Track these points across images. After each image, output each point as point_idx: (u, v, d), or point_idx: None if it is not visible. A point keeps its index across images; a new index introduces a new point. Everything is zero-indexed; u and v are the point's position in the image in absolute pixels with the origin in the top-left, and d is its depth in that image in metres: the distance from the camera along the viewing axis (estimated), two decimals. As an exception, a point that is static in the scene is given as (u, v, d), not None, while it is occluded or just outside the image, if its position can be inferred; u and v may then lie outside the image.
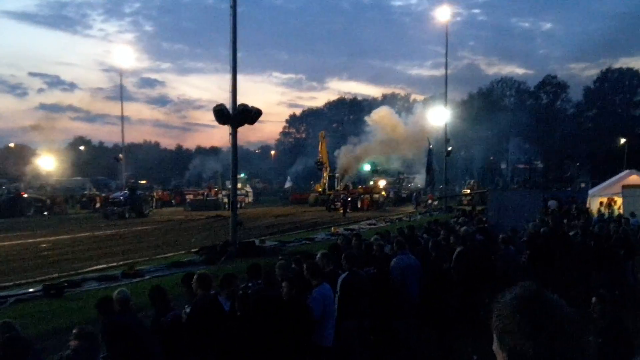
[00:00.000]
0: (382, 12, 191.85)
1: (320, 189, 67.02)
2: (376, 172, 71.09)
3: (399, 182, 79.23)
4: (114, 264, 20.73)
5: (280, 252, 19.42)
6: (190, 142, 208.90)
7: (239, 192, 32.16)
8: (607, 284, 10.68)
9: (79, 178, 75.05)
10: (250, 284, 9.01)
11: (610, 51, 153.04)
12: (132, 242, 28.47)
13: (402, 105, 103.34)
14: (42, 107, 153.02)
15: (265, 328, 7.43)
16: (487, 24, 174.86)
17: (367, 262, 10.63)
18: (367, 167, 72.62)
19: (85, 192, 64.71)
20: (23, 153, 76.33)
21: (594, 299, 6.53)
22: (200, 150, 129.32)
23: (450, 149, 52.72)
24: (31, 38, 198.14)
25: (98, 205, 56.24)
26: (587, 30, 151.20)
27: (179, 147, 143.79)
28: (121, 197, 49.13)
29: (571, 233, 16.33)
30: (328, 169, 69.12)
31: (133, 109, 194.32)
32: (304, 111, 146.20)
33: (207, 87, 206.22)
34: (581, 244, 14.69)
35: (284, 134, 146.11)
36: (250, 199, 70.40)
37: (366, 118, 78.48)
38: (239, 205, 28.04)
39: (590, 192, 34.66)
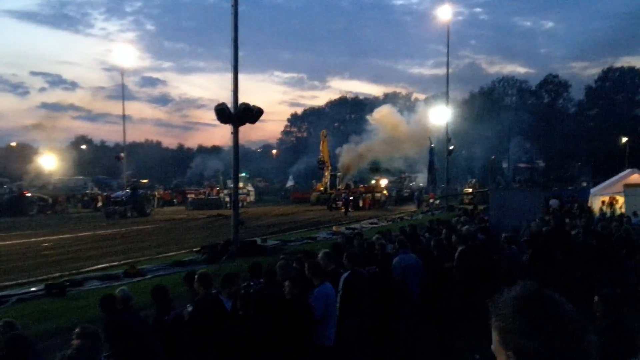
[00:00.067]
0: (383, 11, 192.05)
1: (321, 188, 67.05)
2: (378, 171, 71.05)
3: (400, 181, 79.23)
4: (116, 263, 20.75)
5: (282, 252, 19.42)
6: (192, 141, 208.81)
7: (240, 191, 32.13)
8: (609, 283, 10.67)
9: (81, 177, 75.05)
10: (251, 283, 9.01)
11: (612, 50, 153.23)
12: (133, 242, 28.50)
13: (403, 104, 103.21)
14: (44, 106, 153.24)
15: (267, 327, 7.43)
16: (489, 23, 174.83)
17: (369, 261, 10.64)
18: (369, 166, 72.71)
19: (87, 192, 64.76)
20: (25, 152, 76.34)
21: (596, 298, 6.52)
22: (201, 150, 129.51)
23: (451, 148, 52.66)
24: (33, 37, 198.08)
25: (99, 204, 56.31)
26: (589, 29, 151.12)
27: (181, 146, 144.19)
28: (123, 197, 49.24)
29: (573, 232, 16.32)
30: (329, 168, 69.13)
31: (134, 108, 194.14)
32: (305, 110, 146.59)
33: (209, 86, 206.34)
34: (583, 243, 14.68)
35: (285, 133, 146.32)
36: (251, 198, 70.44)
37: (368, 117, 78.46)
38: (240, 205, 28.02)
39: (592, 191, 34.67)
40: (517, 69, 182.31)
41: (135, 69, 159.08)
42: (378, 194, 62.19)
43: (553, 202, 31.31)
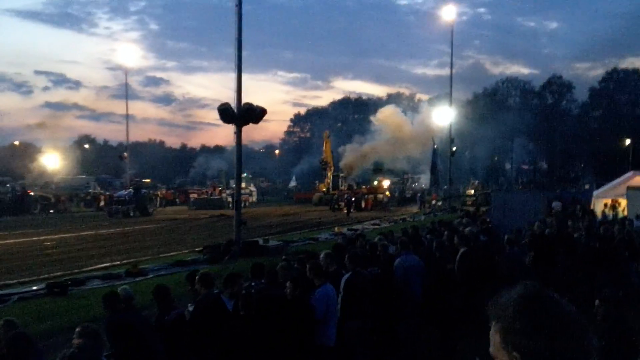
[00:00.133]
0: (387, 11, 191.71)
1: (324, 189, 67.07)
2: (381, 171, 71.07)
3: (403, 182, 79.22)
4: (118, 262, 20.78)
5: (284, 252, 19.41)
6: (195, 141, 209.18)
7: (242, 191, 32.15)
8: (611, 285, 10.66)
9: (84, 176, 75.07)
10: (253, 284, 9.01)
11: (616, 51, 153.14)
12: (135, 241, 28.51)
13: (407, 104, 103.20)
14: (47, 105, 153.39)
15: (268, 327, 7.43)
16: (493, 23, 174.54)
17: (371, 262, 10.63)
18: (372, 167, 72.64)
19: (89, 191, 64.81)
20: (28, 151, 76.41)
21: (597, 300, 6.52)
22: (204, 149, 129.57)
23: (454, 149, 52.68)
24: (37, 36, 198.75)
25: (102, 203, 56.36)
26: (593, 30, 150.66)
27: (184, 146, 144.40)
28: (126, 196, 49.29)
29: (575, 235, 16.30)
30: (332, 168, 69.15)
31: (138, 108, 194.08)
32: (308, 110, 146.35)
33: (212, 86, 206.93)
34: (585, 246, 14.67)
35: (288, 133, 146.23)
36: (254, 198, 70.40)
37: (372, 117, 78.44)
38: (242, 205, 28.03)
39: (595, 193, 34.61)
40: (521, 70, 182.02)
41: (138, 68, 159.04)
42: (380, 195, 62.17)
43: (555, 204, 31.24)
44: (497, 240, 15.42)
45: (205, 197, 62.96)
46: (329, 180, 67.34)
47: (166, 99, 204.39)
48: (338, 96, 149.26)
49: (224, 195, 60.72)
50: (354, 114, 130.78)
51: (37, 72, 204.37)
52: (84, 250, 24.60)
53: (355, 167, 72.15)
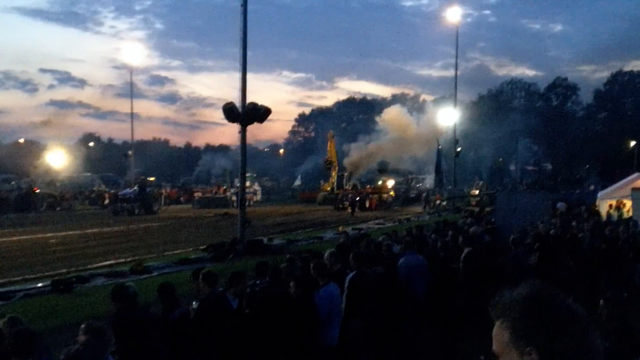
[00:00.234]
0: (392, 12, 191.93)
1: (328, 188, 67.07)
2: (385, 171, 70.99)
3: (407, 182, 79.14)
4: (123, 260, 20.84)
5: (288, 251, 19.44)
6: (200, 140, 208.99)
7: (247, 190, 32.19)
8: (616, 286, 10.65)
9: (88, 174, 75.23)
10: (257, 282, 9.03)
11: (621, 53, 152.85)
12: (140, 239, 28.57)
13: (411, 105, 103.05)
14: (52, 103, 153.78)
15: (271, 326, 7.44)
16: (498, 25, 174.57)
17: (375, 262, 10.63)
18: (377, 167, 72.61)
19: (94, 189, 64.90)
20: (32, 149, 76.49)
21: (601, 301, 6.51)
22: (209, 148, 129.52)
23: (459, 149, 52.59)
24: (42, 34, 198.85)
25: (106, 202, 56.47)
26: (598, 32, 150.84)
27: (188, 145, 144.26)
28: (131, 194, 49.43)
29: (580, 235, 16.28)
30: (336, 168, 69.13)
31: (143, 107, 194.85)
32: (313, 110, 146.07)
33: (217, 85, 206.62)
34: (590, 246, 14.65)
35: (292, 132, 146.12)
36: (258, 197, 70.39)
37: (377, 118, 78.35)
38: (247, 204, 28.05)
39: (600, 194, 34.51)
40: (526, 72, 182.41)
41: (144, 67, 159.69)
42: (385, 195, 62.11)
43: (560, 205, 31.19)
44: (501, 241, 15.42)
45: (210, 196, 62.92)
46: (333, 180, 67.34)
47: (171, 98, 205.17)
48: (343, 96, 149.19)
49: (228, 194, 60.71)
50: (358, 114, 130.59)
51: (43, 70, 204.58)
52: (88, 248, 24.66)
53: (360, 167, 72.11)
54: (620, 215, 28.13)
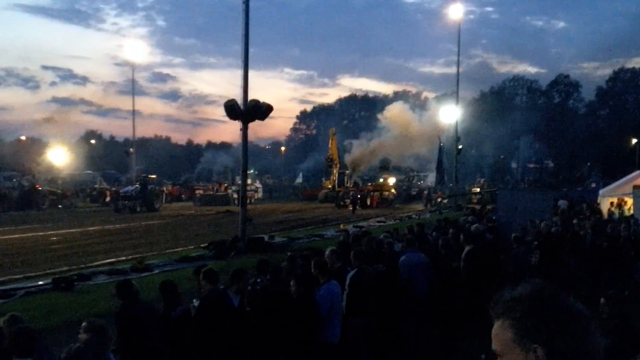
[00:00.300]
0: (394, 9, 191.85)
1: (329, 186, 67.05)
2: (387, 169, 70.97)
3: (408, 180, 79.11)
4: (124, 258, 20.86)
5: (289, 249, 19.44)
6: (201, 137, 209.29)
7: (248, 187, 32.19)
8: (617, 284, 10.64)
9: (90, 172, 75.29)
10: (258, 280, 9.03)
11: (624, 51, 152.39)
12: (141, 237, 28.57)
13: (413, 102, 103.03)
14: (54, 100, 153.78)
15: (272, 324, 7.44)
16: (500, 22, 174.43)
17: (377, 260, 10.63)
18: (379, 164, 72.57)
19: (96, 186, 64.93)
20: (34, 146, 76.52)
21: (602, 299, 6.51)
22: (210, 146, 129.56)
23: (460, 147, 52.56)
24: (44, 31, 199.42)
25: (107, 199, 56.50)
26: (600, 29, 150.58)
27: (190, 142, 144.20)
28: (132, 192, 49.45)
29: (581, 233, 16.26)
30: (338, 166, 69.10)
31: (144, 104, 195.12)
32: (314, 108, 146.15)
33: (219, 83, 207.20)
34: (591, 244, 14.64)
35: (294, 130, 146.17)
36: (259, 194, 70.41)
37: (379, 115, 78.28)
38: (248, 201, 28.06)
39: (601, 192, 34.48)
40: (528, 69, 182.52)
41: (146, 64, 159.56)
42: (386, 193, 62.05)
43: (561, 203, 31.15)
44: (502, 239, 15.41)
45: (211, 193, 62.90)
46: (334, 178, 67.27)
47: (173, 95, 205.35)
48: (344, 94, 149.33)
49: (229, 191, 60.69)
50: (360, 111, 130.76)
51: (45, 67, 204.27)
52: (90, 246, 24.67)
53: (361, 164, 72.10)
54: (622, 213, 28.10)
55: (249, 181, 37.92)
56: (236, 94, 22.97)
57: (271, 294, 8.08)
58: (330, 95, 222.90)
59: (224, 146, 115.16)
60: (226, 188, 63.11)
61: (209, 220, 39.15)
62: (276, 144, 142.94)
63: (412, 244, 10.90)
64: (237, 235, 22.20)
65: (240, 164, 24.08)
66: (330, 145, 71.73)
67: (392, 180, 68.24)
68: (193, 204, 59.27)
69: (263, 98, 22.28)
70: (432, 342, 10.33)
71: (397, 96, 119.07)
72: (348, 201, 53.71)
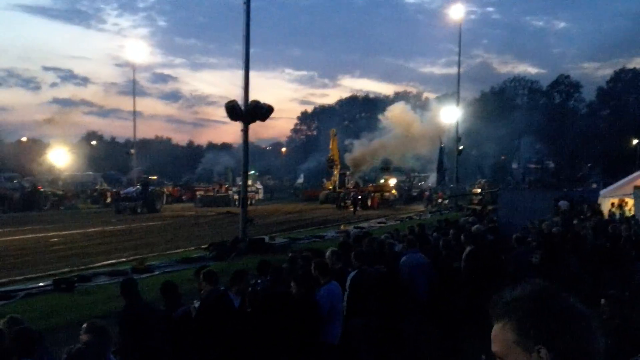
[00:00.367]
0: (395, 9, 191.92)
1: (330, 187, 67.04)
2: (388, 170, 71.01)
3: (409, 181, 79.06)
4: (124, 259, 20.88)
5: (290, 250, 19.43)
6: (202, 138, 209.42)
7: (249, 188, 32.19)
8: (617, 285, 10.64)
9: (91, 173, 75.24)
10: (259, 281, 9.03)
11: (625, 51, 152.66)
12: (142, 238, 28.57)
13: (414, 103, 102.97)
14: (55, 101, 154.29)
15: (273, 325, 7.44)
16: (501, 22, 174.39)
17: (377, 260, 10.63)
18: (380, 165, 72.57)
19: (96, 187, 64.93)
20: (35, 147, 76.54)
21: (603, 300, 6.51)
22: (211, 147, 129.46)
23: (461, 147, 52.56)
24: (45, 32, 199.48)
25: (108, 200, 56.49)
26: (602, 29, 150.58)
27: (191, 143, 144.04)
28: (133, 193, 49.47)
29: (582, 233, 16.25)
30: (339, 166, 69.10)
31: (145, 104, 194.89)
32: (315, 108, 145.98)
33: (220, 83, 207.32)
34: (592, 245, 14.63)
35: (295, 130, 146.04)
36: (260, 195, 70.40)
37: (380, 116, 78.26)
38: (249, 202, 28.05)
39: (602, 192, 34.44)
40: (529, 69, 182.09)
41: (147, 65, 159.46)
42: (387, 193, 62.04)
43: (562, 203, 31.12)
44: (503, 239, 15.39)
45: (212, 194, 62.85)
46: (335, 178, 67.28)
47: (174, 96, 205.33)
48: (345, 94, 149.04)
49: (230, 192, 60.65)
50: (361, 112, 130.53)
51: (46, 68, 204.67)
52: (90, 247, 24.69)
53: (362, 165, 72.09)
54: (623, 214, 28.06)
55: (249, 182, 37.99)
56: (237, 95, 23.07)
57: (272, 294, 8.08)
58: (331, 95, 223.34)
59: (225, 147, 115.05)
60: (227, 189, 63.08)
61: (210, 221, 39.17)
62: (277, 145, 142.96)
63: (413, 245, 10.90)
64: (238, 236, 22.21)
65: (241, 165, 24.08)
66: (331, 146, 71.75)
67: (393, 181, 68.24)
68: (194, 205, 59.23)
69: (264, 99, 22.32)
70: (433, 342, 10.32)
71: (398, 97, 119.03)
72: (349, 202, 53.74)
